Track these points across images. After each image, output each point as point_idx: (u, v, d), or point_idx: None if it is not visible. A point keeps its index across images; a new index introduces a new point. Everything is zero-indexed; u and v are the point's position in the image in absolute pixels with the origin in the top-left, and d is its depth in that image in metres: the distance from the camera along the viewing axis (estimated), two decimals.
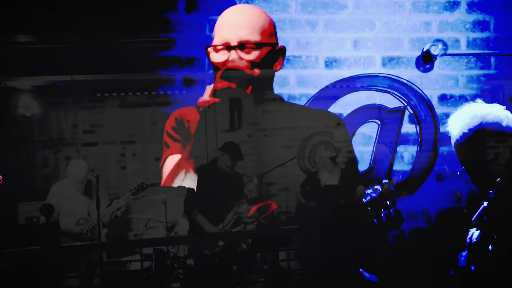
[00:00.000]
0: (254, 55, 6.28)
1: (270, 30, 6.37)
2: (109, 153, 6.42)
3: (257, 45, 6.28)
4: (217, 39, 6.30)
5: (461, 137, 2.40)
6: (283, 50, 6.43)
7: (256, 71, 6.29)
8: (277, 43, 6.42)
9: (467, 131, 2.38)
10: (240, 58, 6.25)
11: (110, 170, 6.38)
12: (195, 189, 6.13)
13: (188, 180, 6.21)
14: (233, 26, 6.28)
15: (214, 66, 6.33)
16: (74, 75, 6.27)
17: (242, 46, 6.25)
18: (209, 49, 6.33)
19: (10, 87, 6.25)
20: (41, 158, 6.32)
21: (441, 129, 6.47)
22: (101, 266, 5.79)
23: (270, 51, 6.36)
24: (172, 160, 6.33)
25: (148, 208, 6.19)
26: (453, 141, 2.43)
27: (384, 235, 6.05)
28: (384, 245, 6.00)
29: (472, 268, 2.42)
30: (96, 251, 5.84)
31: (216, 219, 5.97)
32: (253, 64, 6.28)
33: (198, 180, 6.19)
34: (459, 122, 2.44)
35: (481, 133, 2.33)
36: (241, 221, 6.04)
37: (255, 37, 6.29)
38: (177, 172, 6.27)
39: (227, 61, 6.28)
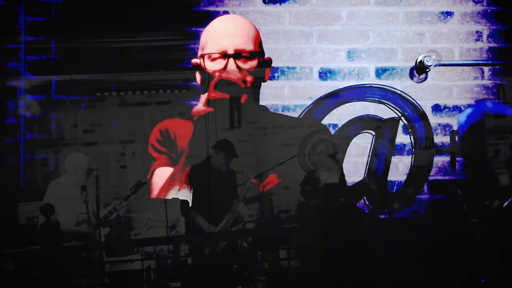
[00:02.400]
0: (249, 64, 6.33)
1: (259, 40, 6.43)
2: (109, 153, 6.40)
3: (251, 54, 6.33)
4: (213, 48, 6.34)
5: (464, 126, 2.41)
6: (270, 61, 6.47)
7: (248, 78, 6.33)
8: (264, 54, 6.48)
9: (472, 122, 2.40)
10: (237, 66, 6.29)
11: (110, 170, 6.35)
12: (191, 194, 6.15)
13: (181, 196, 6.22)
14: (229, 34, 6.34)
15: (207, 75, 6.35)
16: (73, 74, 6.32)
17: (238, 55, 6.30)
18: (204, 57, 6.35)
19: (10, 86, 6.28)
20: (40, 158, 6.31)
21: (435, 140, 6.49)
22: (102, 266, 5.79)
23: (262, 61, 6.40)
24: (161, 173, 6.35)
25: (149, 207, 6.19)
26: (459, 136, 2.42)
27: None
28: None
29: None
30: (97, 251, 5.82)
31: (215, 218, 5.98)
32: (247, 74, 6.33)
33: (193, 180, 6.20)
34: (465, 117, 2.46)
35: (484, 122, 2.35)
36: (240, 220, 6.05)
37: (250, 46, 6.35)
38: (170, 187, 6.28)
39: (221, 70, 6.32)
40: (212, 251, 5.79)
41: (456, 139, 6.45)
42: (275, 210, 6.31)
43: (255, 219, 6.12)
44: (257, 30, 6.42)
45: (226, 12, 6.48)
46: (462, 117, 6.34)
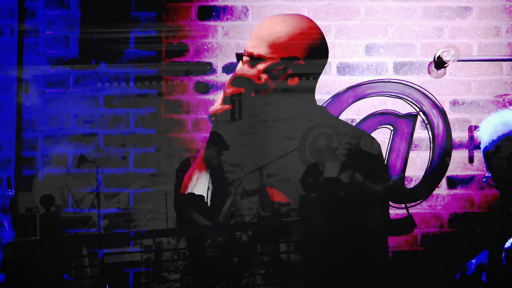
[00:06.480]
0: (257, 68, 6.33)
1: (284, 45, 6.37)
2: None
3: (258, 59, 6.33)
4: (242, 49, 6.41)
5: (490, 144, 2.40)
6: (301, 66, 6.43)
7: (263, 76, 6.34)
8: (300, 58, 6.42)
9: (496, 138, 2.38)
10: (249, 66, 6.31)
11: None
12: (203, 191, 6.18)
13: (200, 184, 6.24)
14: (249, 36, 6.36)
15: None
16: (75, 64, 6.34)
17: (250, 57, 6.32)
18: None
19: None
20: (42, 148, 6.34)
21: (453, 135, 6.49)
22: (100, 257, 5.85)
23: (281, 65, 6.37)
24: None
25: (149, 199, 6.23)
26: (482, 147, 2.43)
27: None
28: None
29: (483, 278, 2.40)
30: (96, 242, 5.91)
31: (212, 213, 6.00)
32: (263, 72, 6.34)
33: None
34: (489, 128, 2.44)
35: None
36: (238, 214, 6.07)
37: (259, 50, 6.33)
38: (191, 177, 6.31)
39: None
40: (209, 245, 5.83)
41: (474, 135, 6.45)
42: (275, 204, 6.31)
43: (255, 213, 6.14)
44: (295, 32, 6.38)
45: (244, 6, 6.48)
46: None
